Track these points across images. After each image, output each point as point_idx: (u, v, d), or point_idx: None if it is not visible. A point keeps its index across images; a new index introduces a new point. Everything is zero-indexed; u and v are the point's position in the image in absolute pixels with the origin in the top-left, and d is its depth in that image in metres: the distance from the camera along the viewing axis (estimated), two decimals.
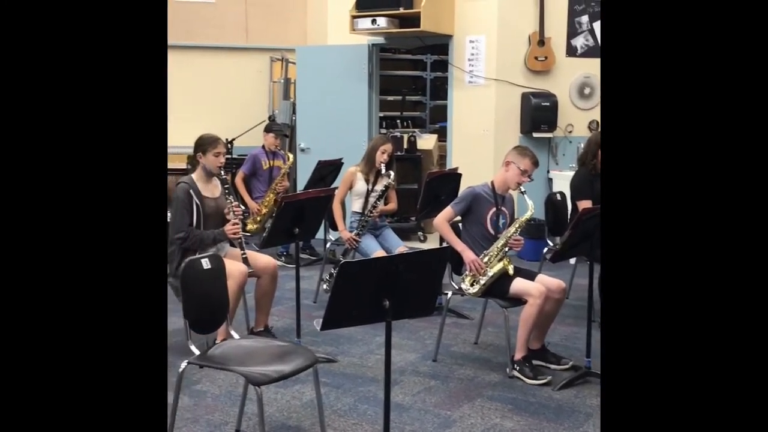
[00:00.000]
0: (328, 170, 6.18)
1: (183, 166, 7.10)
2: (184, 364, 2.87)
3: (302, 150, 7.31)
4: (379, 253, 4.69)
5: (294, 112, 7.71)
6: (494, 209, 3.97)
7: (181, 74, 8.19)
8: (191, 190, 4.00)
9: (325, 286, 4.95)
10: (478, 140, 6.74)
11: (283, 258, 6.25)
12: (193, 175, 4.11)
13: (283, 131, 6.86)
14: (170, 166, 7.28)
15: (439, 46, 7.39)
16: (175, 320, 4.68)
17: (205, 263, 3.05)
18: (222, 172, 4.10)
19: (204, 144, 4.06)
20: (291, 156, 6.47)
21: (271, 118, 7.59)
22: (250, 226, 6.09)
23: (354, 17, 6.44)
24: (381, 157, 4.87)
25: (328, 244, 5.63)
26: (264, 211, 6.10)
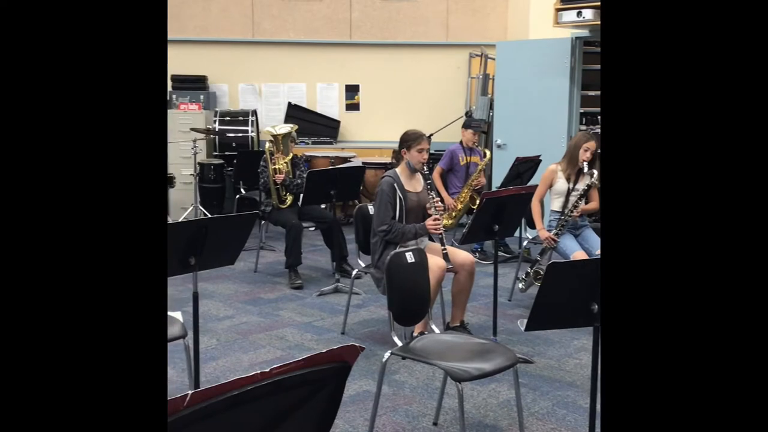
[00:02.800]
0: (526, 167, 6.08)
1: (387, 160, 7.32)
2: (387, 355, 2.94)
3: (499, 146, 7.24)
4: (579, 253, 4.53)
5: (491, 107, 7.66)
6: None
7: (385, 71, 8.45)
8: (395, 184, 4.10)
9: (520, 285, 4.88)
10: None
11: (477, 254, 6.25)
12: (397, 169, 4.21)
13: (481, 127, 6.84)
14: (374, 160, 7.55)
15: None
16: (374, 309, 4.87)
17: (410, 257, 3.11)
18: (424, 168, 4.16)
19: (409, 140, 4.14)
20: (488, 152, 6.43)
21: (468, 114, 7.60)
22: (445, 222, 6.12)
23: (558, 10, 6.28)
24: (584, 155, 4.70)
25: (524, 243, 5.54)
26: (459, 207, 6.12)
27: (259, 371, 1.36)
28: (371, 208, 4.36)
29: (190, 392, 1.26)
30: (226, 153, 7.76)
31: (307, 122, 8.16)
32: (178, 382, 3.55)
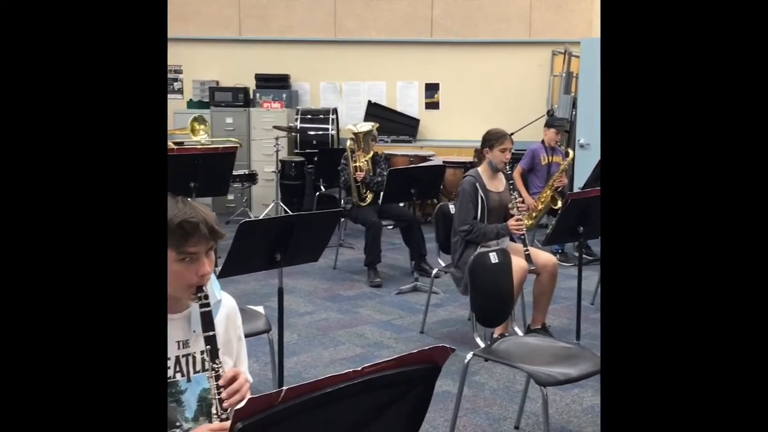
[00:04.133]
0: None
1: (467, 159, 7.27)
2: (469, 356, 2.92)
3: (582, 146, 7.08)
4: None
5: (574, 106, 7.50)
6: None
7: (465, 69, 8.38)
8: (477, 184, 4.06)
9: None
10: None
11: (557, 256, 6.12)
12: (479, 169, 4.17)
13: (564, 126, 6.71)
14: (453, 159, 7.51)
15: None
16: (453, 309, 4.84)
17: (493, 257, 3.07)
18: (507, 168, 4.10)
19: (491, 139, 4.09)
20: (571, 152, 6.30)
21: (550, 113, 7.46)
22: (525, 222, 6.04)
23: None
24: None
25: None
26: (540, 207, 6.02)
27: (351, 369, 1.36)
28: (452, 208, 4.33)
29: (284, 388, 1.28)
30: (307, 151, 7.87)
31: (387, 120, 8.18)
32: (261, 376, 3.61)
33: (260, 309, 3.71)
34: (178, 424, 1.77)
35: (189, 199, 1.78)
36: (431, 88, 8.50)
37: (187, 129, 5.27)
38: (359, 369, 1.37)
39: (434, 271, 4.64)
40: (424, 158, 7.49)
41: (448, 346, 1.47)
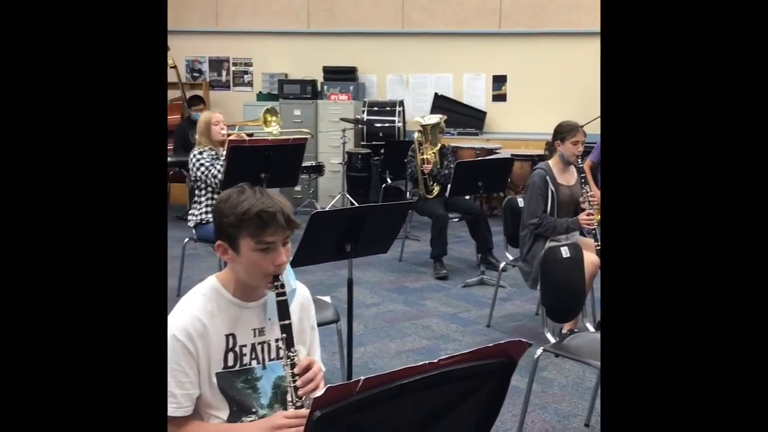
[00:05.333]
0: None
1: (534, 152, 7.17)
2: (539, 351, 2.88)
3: None
4: None
5: None
6: None
7: (534, 61, 8.25)
8: (547, 177, 4.00)
9: None
10: None
11: None
12: (550, 162, 4.10)
13: None
14: (521, 152, 7.42)
15: None
16: (520, 303, 4.79)
17: (565, 251, 3.02)
18: (579, 161, 4.03)
19: (563, 132, 4.02)
20: None
21: None
22: (596, 216, 5.93)
23: None
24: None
25: None
26: None
27: (425, 362, 1.36)
28: (521, 201, 4.28)
29: (362, 378, 1.28)
30: (373, 143, 7.89)
31: (453, 113, 8.13)
32: (329, 365, 3.65)
33: (327, 299, 3.74)
34: (254, 410, 1.81)
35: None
36: (498, 80, 8.40)
37: (259, 120, 5.36)
38: (435, 361, 1.37)
39: (502, 265, 4.59)
40: (491, 151, 7.42)
41: (524, 340, 1.45)
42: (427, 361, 1.36)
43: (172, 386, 1.70)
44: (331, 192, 7.72)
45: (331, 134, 7.71)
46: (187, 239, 4.89)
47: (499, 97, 8.42)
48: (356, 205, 6.65)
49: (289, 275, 1.86)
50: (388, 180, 7.09)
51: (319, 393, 1.73)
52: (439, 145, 5.75)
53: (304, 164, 6.55)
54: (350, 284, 3.04)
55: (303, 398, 1.73)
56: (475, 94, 8.43)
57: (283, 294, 1.75)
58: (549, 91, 8.17)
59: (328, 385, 1.27)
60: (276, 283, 1.74)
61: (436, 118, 5.79)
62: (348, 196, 7.42)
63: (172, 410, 1.71)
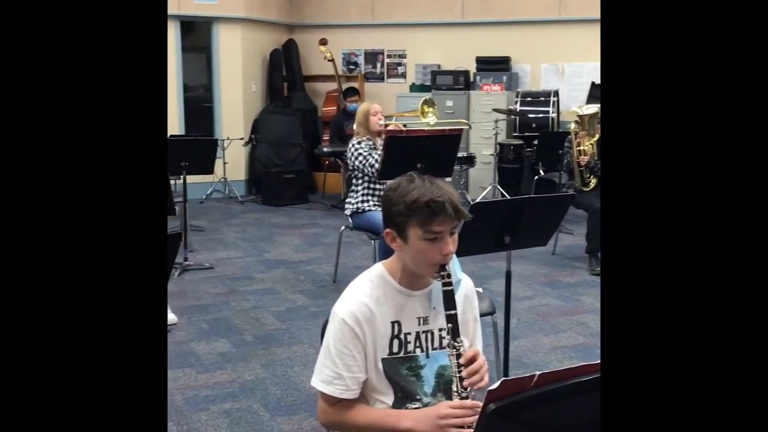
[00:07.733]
0: None
1: None
2: None
3: None
4: None
5: None
6: None
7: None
8: None
9: None
10: None
11: None
12: None
13: None
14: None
15: None
16: None
17: None
18: None
19: None
20: None
21: None
22: None
23: None
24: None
25: None
26: None
27: (599, 361, 1.31)
28: None
29: (537, 373, 1.26)
30: (526, 134, 7.75)
31: None
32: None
33: (480, 290, 3.72)
34: (418, 397, 1.82)
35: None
36: None
37: (417, 111, 5.41)
38: None
39: None
40: None
41: None
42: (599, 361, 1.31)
43: (340, 369, 1.75)
44: (482, 183, 7.67)
45: (483, 125, 7.65)
46: (343, 227, 5.02)
47: None
48: (507, 197, 6.56)
49: (455, 266, 1.86)
50: (541, 172, 6.94)
51: (483, 384, 1.74)
52: (597, 136, 5.54)
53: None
54: (508, 277, 3.00)
55: (468, 389, 1.72)
56: None
57: (450, 284, 1.75)
58: None
59: (503, 378, 1.25)
60: (442, 273, 1.74)
61: (594, 108, 5.58)
62: (499, 187, 7.34)
63: (340, 392, 1.76)
